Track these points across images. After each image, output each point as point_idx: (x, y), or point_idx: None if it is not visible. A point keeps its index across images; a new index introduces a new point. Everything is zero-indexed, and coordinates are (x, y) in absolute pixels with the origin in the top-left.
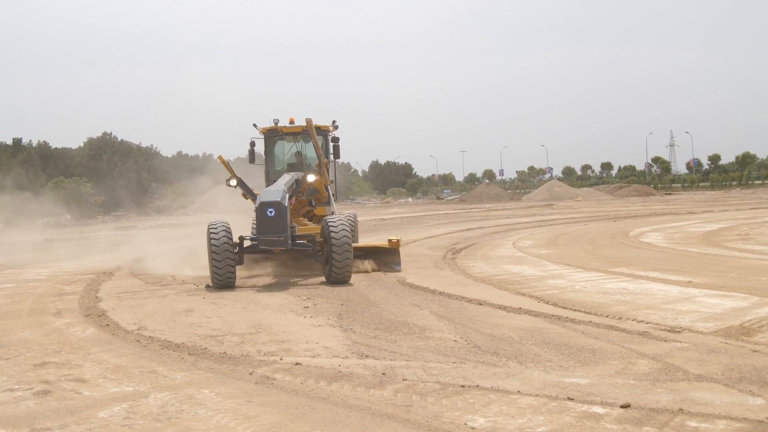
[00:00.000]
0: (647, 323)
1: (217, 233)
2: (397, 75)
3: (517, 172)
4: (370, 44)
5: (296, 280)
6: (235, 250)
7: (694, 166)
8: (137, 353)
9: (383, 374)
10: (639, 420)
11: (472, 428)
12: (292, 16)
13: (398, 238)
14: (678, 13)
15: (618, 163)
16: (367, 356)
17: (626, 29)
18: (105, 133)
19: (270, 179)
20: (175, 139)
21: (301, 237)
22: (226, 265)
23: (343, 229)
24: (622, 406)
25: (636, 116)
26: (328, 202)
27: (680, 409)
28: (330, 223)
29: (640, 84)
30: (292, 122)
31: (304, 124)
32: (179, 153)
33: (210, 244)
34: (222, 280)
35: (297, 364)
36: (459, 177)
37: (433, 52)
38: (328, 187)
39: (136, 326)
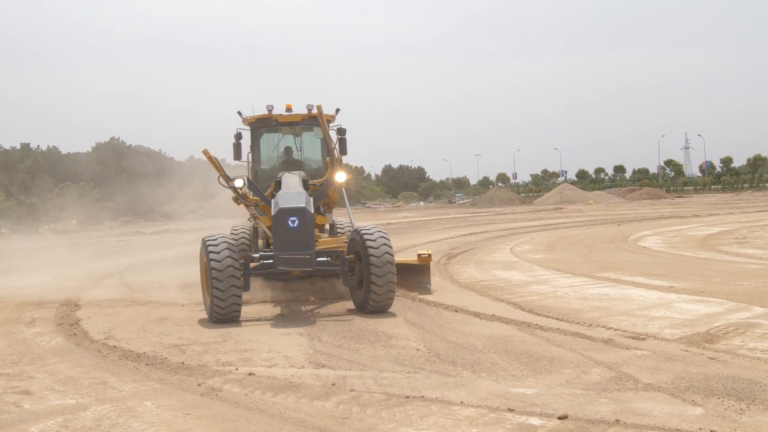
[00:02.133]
0: (615, 330)
1: (218, 252)
2: (411, 79)
3: (531, 175)
4: (384, 48)
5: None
6: (241, 273)
7: (706, 168)
8: (94, 364)
9: (333, 384)
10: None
11: None
12: (307, 20)
13: (429, 252)
14: (691, 18)
15: (632, 166)
16: (323, 366)
17: (639, 34)
18: (113, 138)
19: (258, 181)
20: (186, 143)
21: (323, 254)
22: (231, 294)
23: (384, 243)
24: (559, 418)
25: (649, 119)
26: (330, 210)
27: (617, 420)
28: (365, 235)
29: (653, 87)
30: (289, 109)
31: (305, 111)
32: (191, 157)
33: (210, 268)
34: (225, 313)
35: (250, 374)
36: (474, 181)
37: (447, 56)
38: (343, 190)
39: (104, 336)
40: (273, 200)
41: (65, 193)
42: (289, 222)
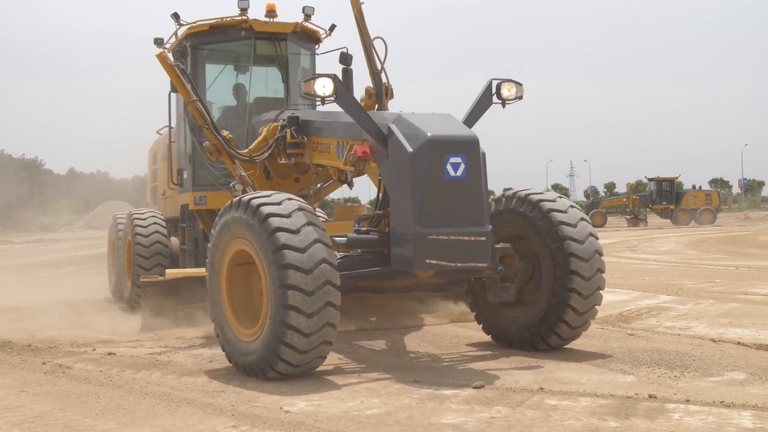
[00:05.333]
0: None
1: (301, 241)
2: None
3: None
4: None
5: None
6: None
7: (591, 193)
8: None
9: (210, 362)
10: (491, 399)
11: (287, 412)
12: None
13: None
14: (581, 51)
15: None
16: (203, 346)
17: (530, 65)
18: None
19: (199, 134)
20: (69, 155)
21: None
22: (324, 317)
23: (589, 231)
24: (474, 387)
25: (538, 143)
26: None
27: (540, 389)
28: (551, 208)
29: (542, 113)
30: (272, 11)
31: (301, 19)
32: (71, 170)
33: (285, 278)
34: (310, 357)
35: (110, 354)
36: None
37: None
38: None
39: None
40: (395, 129)
41: None
42: (449, 167)
